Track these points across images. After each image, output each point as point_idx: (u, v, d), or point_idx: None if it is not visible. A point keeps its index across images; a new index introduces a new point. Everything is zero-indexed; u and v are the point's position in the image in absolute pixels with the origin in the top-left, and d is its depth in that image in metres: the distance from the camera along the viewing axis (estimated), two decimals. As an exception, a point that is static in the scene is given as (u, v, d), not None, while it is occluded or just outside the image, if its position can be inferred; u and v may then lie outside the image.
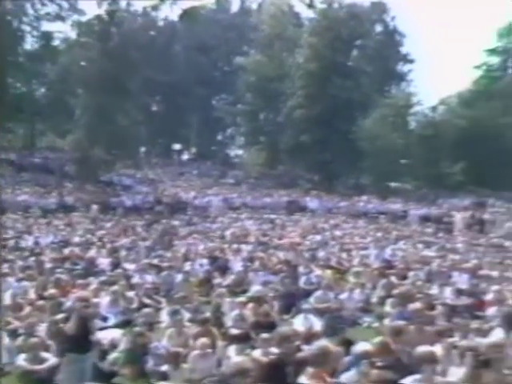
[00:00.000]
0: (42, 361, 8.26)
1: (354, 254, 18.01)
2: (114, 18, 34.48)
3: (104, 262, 15.67)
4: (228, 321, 10.23)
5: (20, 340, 8.88)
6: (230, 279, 14.19)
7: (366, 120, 37.96)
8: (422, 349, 6.19)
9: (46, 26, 39.08)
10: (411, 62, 48.72)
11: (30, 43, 39.58)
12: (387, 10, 47.58)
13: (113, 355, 8.45)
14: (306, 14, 46.67)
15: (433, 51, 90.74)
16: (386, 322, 9.77)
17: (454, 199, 32.16)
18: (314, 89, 40.94)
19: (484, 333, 8.38)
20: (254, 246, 18.65)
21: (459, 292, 12.63)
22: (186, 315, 10.35)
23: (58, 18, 38.24)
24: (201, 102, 53.56)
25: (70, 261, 15.66)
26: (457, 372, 6.46)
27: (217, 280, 14.26)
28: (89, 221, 23.78)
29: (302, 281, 13.92)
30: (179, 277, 14.11)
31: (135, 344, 8.34)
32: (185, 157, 58.71)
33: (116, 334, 9.34)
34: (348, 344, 7.53)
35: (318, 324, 10.17)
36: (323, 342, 5.99)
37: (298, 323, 10.19)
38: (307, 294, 12.63)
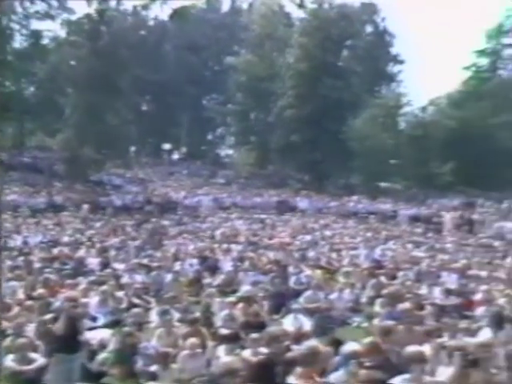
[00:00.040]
0: (30, 361, 8.20)
1: (343, 253, 18.07)
2: (103, 17, 34.23)
3: (93, 262, 15.64)
4: (218, 321, 10.22)
5: (8, 340, 8.82)
6: (219, 279, 14.20)
7: (356, 120, 37.98)
8: (411, 348, 6.21)
9: (36, 25, 38.79)
10: (401, 62, 48.83)
11: (19, 42, 39.23)
12: (377, 10, 47.65)
13: (102, 355, 8.42)
14: (297, 14, 46.58)
15: (423, 52, 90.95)
16: (376, 321, 9.80)
17: (444, 199, 32.28)
18: (305, 89, 40.94)
19: (472, 332, 8.43)
20: (244, 246, 18.67)
21: (448, 292, 12.71)
22: (176, 315, 10.31)
23: (48, 16, 37.92)
24: (191, 102, 53.46)
25: (59, 261, 15.61)
26: (445, 371, 6.48)
27: (207, 280, 14.28)
28: (78, 220, 23.67)
29: (291, 281, 13.96)
30: (169, 277, 14.10)
31: (124, 344, 8.30)
32: (175, 156, 58.51)
33: (105, 334, 9.30)
34: (337, 344, 7.55)
35: (307, 324, 10.21)
36: (313, 342, 6.03)
37: (288, 323, 10.20)
38: (297, 293, 12.66)
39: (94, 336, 9.11)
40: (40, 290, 11.58)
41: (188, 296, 12.71)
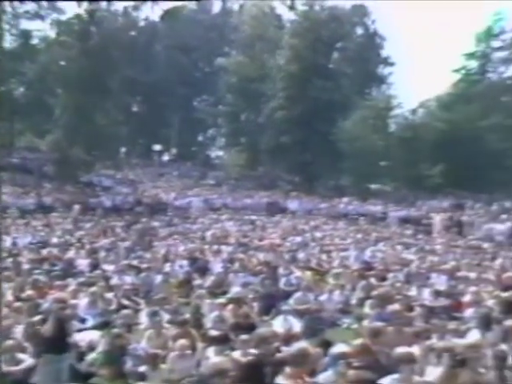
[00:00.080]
0: (18, 362, 8.13)
1: (333, 255, 18.08)
2: (93, 18, 34.17)
3: (83, 263, 15.58)
4: (207, 322, 10.18)
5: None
6: (209, 280, 14.16)
7: (346, 122, 38.06)
8: (401, 349, 6.23)
9: (25, 25, 38.68)
10: (391, 64, 48.99)
11: (8, 41, 39.10)
12: (368, 13, 47.79)
13: (91, 356, 8.38)
14: (288, 15, 46.63)
15: (413, 55, 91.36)
16: (365, 323, 9.81)
17: (433, 201, 32.38)
18: (295, 90, 41.02)
19: (461, 334, 8.47)
20: (235, 248, 18.67)
21: (437, 293, 12.71)
22: (165, 316, 10.28)
23: (37, 16, 37.82)
24: (182, 103, 53.43)
25: (48, 262, 15.51)
26: (434, 372, 6.51)
27: (197, 281, 14.21)
28: (68, 221, 23.57)
29: (281, 282, 13.96)
30: (159, 278, 14.09)
31: (113, 345, 8.26)
32: (165, 157, 58.43)
33: (94, 335, 9.28)
34: (327, 345, 7.58)
35: (297, 325, 10.20)
36: (302, 344, 6.03)
37: (278, 324, 10.21)
38: (287, 295, 12.65)
39: (82, 338, 9.08)
40: (29, 292, 11.48)
41: (178, 297, 12.68)
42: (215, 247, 18.38)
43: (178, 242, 19.48)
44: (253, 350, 7.57)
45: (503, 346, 7.22)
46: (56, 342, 7.19)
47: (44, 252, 16.75)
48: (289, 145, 40.44)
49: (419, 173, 35.98)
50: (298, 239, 21.13)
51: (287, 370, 5.42)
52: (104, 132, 36.48)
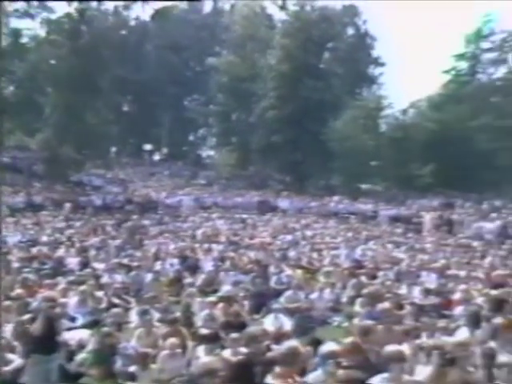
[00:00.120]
0: (7, 362, 8.06)
1: (324, 253, 18.13)
2: (84, 17, 34.00)
3: (73, 262, 15.53)
4: (198, 321, 10.17)
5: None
6: (200, 279, 14.15)
7: (337, 121, 38.10)
8: (390, 348, 6.24)
9: (15, 23, 38.43)
10: (382, 65, 49.03)
11: (-2, 40, 38.87)
12: (359, 13, 47.82)
13: (80, 356, 8.35)
14: (279, 15, 46.70)
15: (403, 55, 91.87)
16: (356, 321, 9.84)
17: (423, 200, 32.53)
18: (286, 90, 41.04)
19: (450, 332, 8.50)
20: (225, 246, 18.66)
21: (427, 291, 12.79)
22: (156, 315, 10.25)
23: (27, 15, 37.59)
24: (172, 102, 53.33)
25: (38, 260, 15.46)
26: (423, 370, 6.53)
27: (187, 280, 14.18)
28: (57, 220, 23.46)
29: (272, 280, 13.97)
30: (149, 276, 14.05)
31: (103, 344, 8.25)
32: (156, 157, 58.22)
33: (84, 334, 9.24)
34: (318, 344, 7.56)
35: (288, 324, 10.22)
36: (292, 342, 6.03)
37: (268, 323, 10.22)
38: (278, 293, 12.66)
39: (72, 336, 9.04)
40: (18, 290, 11.40)
41: (168, 296, 12.66)
42: (206, 246, 18.35)
43: (168, 241, 19.46)
44: (243, 349, 7.57)
45: (492, 344, 7.26)
46: (45, 341, 7.15)
47: (34, 250, 16.67)
48: (280, 144, 40.47)
49: (409, 172, 36.15)
50: (289, 238, 21.14)
51: (277, 369, 5.42)
52: (94, 131, 36.29)
